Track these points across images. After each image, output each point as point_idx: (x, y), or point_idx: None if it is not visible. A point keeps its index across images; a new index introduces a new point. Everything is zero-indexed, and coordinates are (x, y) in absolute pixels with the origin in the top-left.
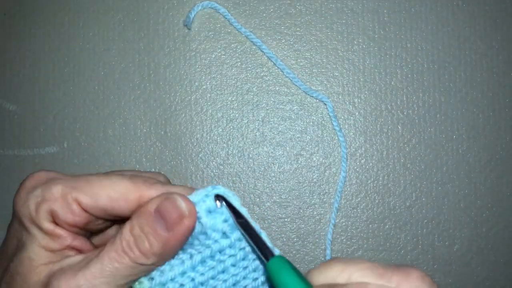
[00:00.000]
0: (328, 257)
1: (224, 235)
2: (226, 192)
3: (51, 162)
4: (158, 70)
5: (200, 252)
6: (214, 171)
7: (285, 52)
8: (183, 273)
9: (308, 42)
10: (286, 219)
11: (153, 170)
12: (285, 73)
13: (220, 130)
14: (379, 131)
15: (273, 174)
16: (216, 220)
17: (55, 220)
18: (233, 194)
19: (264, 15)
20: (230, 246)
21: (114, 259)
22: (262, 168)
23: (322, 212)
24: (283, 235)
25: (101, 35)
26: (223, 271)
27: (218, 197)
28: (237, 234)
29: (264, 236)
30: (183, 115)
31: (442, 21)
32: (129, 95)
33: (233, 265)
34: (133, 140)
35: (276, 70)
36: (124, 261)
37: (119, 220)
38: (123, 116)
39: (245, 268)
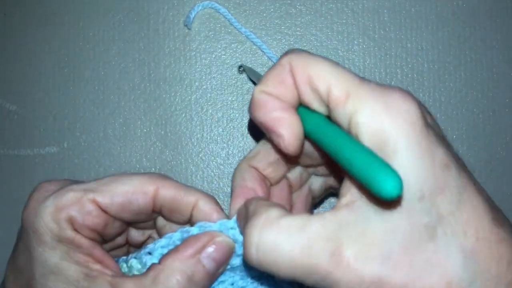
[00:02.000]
0: None
1: (232, 269)
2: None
3: (51, 162)
4: (158, 70)
5: None
6: (214, 171)
7: None
8: None
9: (309, 42)
10: None
11: (153, 170)
12: None
13: (221, 130)
14: None
15: None
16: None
17: (74, 227)
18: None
19: (264, 15)
20: (240, 270)
21: None
22: None
23: (322, 212)
24: None
25: (101, 35)
26: (232, 284)
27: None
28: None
29: None
30: (183, 115)
31: (442, 21)
32: (129, 95)
33: (242, 279)
34: (133, 140)
35: None
36: None
37: (134, 223)
38: (123, 116)
39: (252, 283)
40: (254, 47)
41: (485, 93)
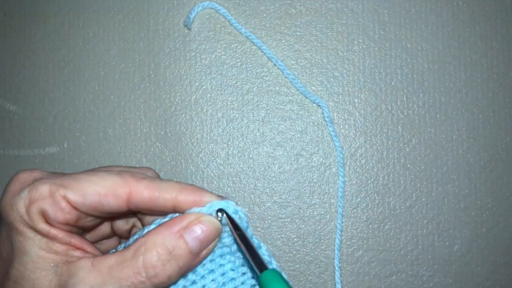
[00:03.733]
0: (337, 263)
1: (227, 247)
2: (234, 208)
3: (51, 162)
4: (158, 70)
5: None
6: (214, 171)
7: (285, 53)
8: (185, 276)
9: (308, 42)
10: (286, 219)
11: None
12: (285, 74)
13: (220, 130)
14: (379, 131)
15: (273, 174)
16: (223, 234)
17: (47, 220)
18: (241, 210)
19: (264, 15)
20: (230, 254)
21: (134, 284)
22: (262, 168)
23: (322, 212)
24: (283, 235)
25: (101, 35)
26: (222, 274)
27: (221, 210)
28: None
29: (264, 249)
30: (183, 115)
31: (442, 21)
32: (129, 95)
33: (232, 270)
34: (133, 140)
35: (276, 70)
36: (146, 286)
37: (109, 217)
38: (123, 116)
39: (243, 274)
40: (254, 47)
41: (485, 93)
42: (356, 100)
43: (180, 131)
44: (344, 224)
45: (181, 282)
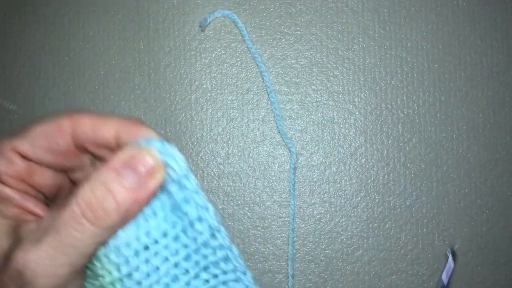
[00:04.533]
0: (289, 261)
1: (173, 199)
2: (170, 151)
3: None
4: (158, 69)
5: (155, 215)
6: (214, 170)
7: (285, 52)
8: (137, 239)
9: (308, 41)
10: (286, 219)
11: None
12: (269, 97)
13: (220, 129)
14: (379, 130)
15: (273, 174)
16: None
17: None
18: (180, 157)
19: (264, 14)
20: (178, 209)
21: (71, 226)
22: (262, 167)
23: (322, 211)
24: (283, 235)
25: (101, 35)
26: (175, 239)
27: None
28: (182, 195)
29: (211, 212)
30: (183, 115)
31: (442, 20)
32: (129, 95)
33: (184, 232)
34: None
35: (276, 70)
36: (84, 228)
37: (68, 170)
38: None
39: (194, 239)
40: None
41: (485, 92)
42: (356, 99)
43: (180, 131)
44: (344, 223)
45: (134, 244)
